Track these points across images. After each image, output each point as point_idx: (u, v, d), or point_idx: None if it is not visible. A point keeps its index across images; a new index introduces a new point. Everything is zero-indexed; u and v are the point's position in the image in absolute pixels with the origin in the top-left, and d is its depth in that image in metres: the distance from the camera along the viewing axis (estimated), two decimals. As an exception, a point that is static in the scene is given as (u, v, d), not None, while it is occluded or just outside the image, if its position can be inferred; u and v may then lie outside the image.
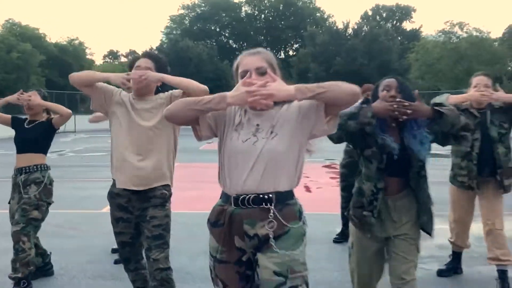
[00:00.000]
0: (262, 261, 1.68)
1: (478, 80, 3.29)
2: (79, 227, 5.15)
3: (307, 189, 7.63)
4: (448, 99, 3.18)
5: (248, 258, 1.74)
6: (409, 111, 2.15)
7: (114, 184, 2.63)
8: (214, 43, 52.67)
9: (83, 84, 2.59)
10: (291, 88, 1.64)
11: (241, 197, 1.68)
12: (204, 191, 6.74)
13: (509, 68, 48.26)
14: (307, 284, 1.72)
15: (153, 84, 2.58)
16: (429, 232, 2.40)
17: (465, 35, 39.76)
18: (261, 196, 1.67)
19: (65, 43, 51.55)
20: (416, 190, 2.30)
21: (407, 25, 55.48)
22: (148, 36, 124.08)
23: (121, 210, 2.60)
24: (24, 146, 3.40)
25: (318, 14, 55.70)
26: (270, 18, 54.70)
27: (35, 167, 3.35)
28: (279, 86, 1.65)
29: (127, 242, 2.66)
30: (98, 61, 69.43)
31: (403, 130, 2.27)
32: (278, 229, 1.67)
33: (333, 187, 6.93)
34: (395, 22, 55.01)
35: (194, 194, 6.70)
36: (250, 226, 1.69)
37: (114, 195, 2.61)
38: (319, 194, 7.13)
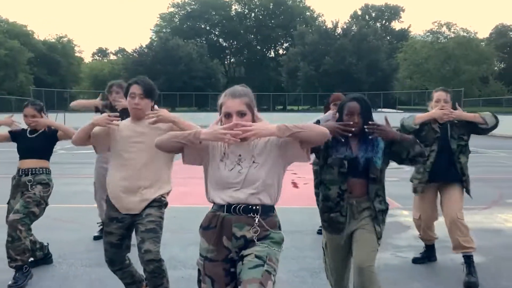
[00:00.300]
0: (247, 252, 1.97)
1: (438, 95, 3.61)
2: (74, 220, 5.35)
3: (294, 185, 7.90)
4: (415, 119, 3.55)
5: (231, 258, 2.02)
6: (353, 130, 2.49)
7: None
8: (204, 42, 52.60)
9: (84, 142, 2.83)
10: (273, 127, 1.94)
11: (233, 206, 1.99)
12: (193, 187, 6.96)
13: (496, 68, 49.07)
14: (274, 281, 1.96)
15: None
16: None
17: (452, 35, 40.26)
18: (249, 206, 1.99)
19: (53, 40, 51.03)
20: (370, 193, 2.58)
21: (396, 25, 56.04)
22: (138, 34, 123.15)
23: (116, 211, 2.76)
24: (29, 154, 3.58)
25: (308, 13, 55.89)
26: (260, 17, 54.75)
27: (41, 169, 3.56)
28: (263, 126, 1.95)
29: (114, 243, 2.77)
30: (87, 58, 69.05)
31: (361, 142, 2.57)
32: (261, 233, 1.99)
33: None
34: (384, 21, 55.49)
35: (184, 189, 6.90)
36: (238, 229, 1.99)
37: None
38: (305, 189, 7.38)
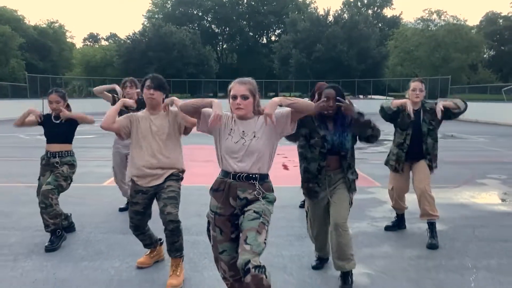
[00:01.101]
0: (247, 208, 2.57)
1: (415, 85, 4.20)
2: (85, 197, 5.90)
3: (285, 167, 8.53)
4: (392, 103, 4.14)
5: (236, 213, 2.61)
6: (334, 107, 3.12)
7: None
8: (197, 28, 52.52)
9: (111, 125, 3.31)
10: (277, 100, 2.56)
11: (238, 174, 2.58)
12: (194, 169, 7.53)
13: (485, 55, 49.67)
14: (267, 229, 2.55)
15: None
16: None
17: (443, 23, 40.62)
18: (250, 175, 2.57)
19: (44, 25, 50.64)
20: (343, 166, 3.24)
21: (387, 12, 56.35)
22: (129, 19, 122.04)
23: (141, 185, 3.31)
24: (55, 139, 4.15)
25: (300, 0, 55.99)
26: (253, 3, 54.62)
27: (66, 152, 4.16)
28: (270, 106, 2.54)
29: (139, 211, 3.32)
30: (78, 44, 68.47)
31: (336, 124, 3.20)
32: (259, 195, 2.58)
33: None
34: (376, 8, 55.74)
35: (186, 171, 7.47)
36: (242, 192, 2.58)
37: None
38: (294, 170, 8.00)
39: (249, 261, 2.38)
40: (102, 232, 4.43)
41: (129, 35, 43.58)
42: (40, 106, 27.23)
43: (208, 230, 2.70)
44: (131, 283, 3.27)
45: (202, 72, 41.93)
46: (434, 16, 40.89)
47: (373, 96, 37.55)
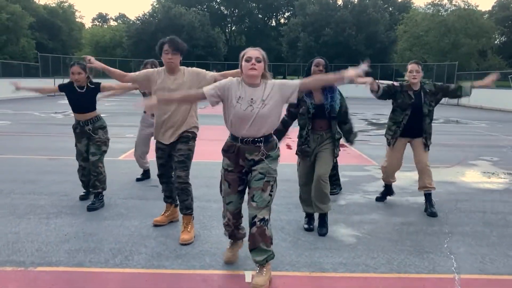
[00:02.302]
0: (254, 168, 3.01)
1: (412, 67, 4.56)
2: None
3: (288, 146, 9.01)
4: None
5: (245, 171, 3.06)
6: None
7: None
8: (206, 9, 52.53)
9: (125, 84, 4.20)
10: (298, 82, 2.99)
11: (245, 139, 2.96)
12: (203, 147, 8.02)
13: (496, 41, 49.16)
14: (276, 182, 3.03)
15: None
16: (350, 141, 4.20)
17: (453, 8, 40.30)
18: (255, 139, 2.94)
19: (54, 5, 50.96)
20: (332, 128, 3.91)
21: (398, -4, 55.78)
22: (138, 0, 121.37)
23: (160, 143, 3.88)
24: (83, 109, 4.60)
25: (310, -17, 55.58)
26: (262, -15, 54.51)
27: (96, 117, 4.66)
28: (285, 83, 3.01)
29: (162, 163, 3.92)
30: (87, 24, 68.71)
31: (324, 92, 3.85)
32: (263, 155, 3.00)
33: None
34: (386, -8, 55.26)
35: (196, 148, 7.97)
36: (249, 154, 3.00)
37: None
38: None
39: (255, 216, 2.89)
40: (121, 198, 4.96)
41: (139, 16, 43.87)
42: (51, 85, 27.81)
43: (221, 184, 3.17)
44: (149, 237, 3.79)
45: (211, 54, 42.18)
46: (445, 1, 40.58)
47: (381, 81, 37.55)
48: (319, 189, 3.88)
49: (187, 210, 3.79)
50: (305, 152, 3.97)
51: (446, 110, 21.74)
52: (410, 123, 4.59)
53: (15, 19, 39.59)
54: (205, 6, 54.25)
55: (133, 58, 39.98)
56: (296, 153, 4.06)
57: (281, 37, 45.96)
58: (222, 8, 56.56)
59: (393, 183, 5.05)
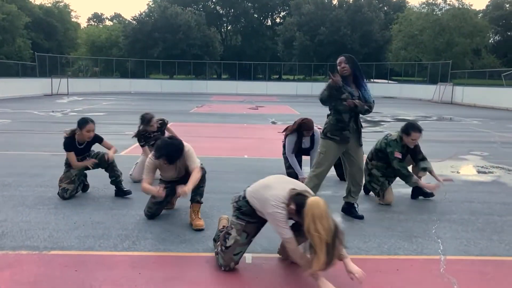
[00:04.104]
0: None
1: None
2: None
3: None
4: None
5: (264, 220, 3.01)
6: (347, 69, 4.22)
7: None
8: (201, 9, 52.67)
9: None
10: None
11: None
12: (200, 143, 8.27)
13: (491, 40, 49.62)
14: None
15: None
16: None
17: (448, 7, 40.69)
18: None
19: (50, 5, 50.89)
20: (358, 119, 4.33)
21: (393, -5, 56.15)
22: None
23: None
24: (83, 157, 4.93)
25: (305, -18, 55.80)
26: (257, -16, 54.64)
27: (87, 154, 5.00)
28: None
29: (159, 201, 4.04)
30: (83, 24, 68.61)
31: (358, 87, 4.23)
32: None
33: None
34: (381, -9, 55.60)
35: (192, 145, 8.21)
36: None
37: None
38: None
39: None
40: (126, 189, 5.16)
41: (135, 16, 44.01)
42: (48, 85, 27.73)
43: (228, 236, 3.08)
44: (154, 225, 4.01)
45: (207, 54, 42.35)
46: (439, 0, 40.98)
47: (375, 80, 38.02)
48: (359, 181, 4.37)
49: (201, 197, 4.06)
50: (346, 138, 4.23)
51: (439, 108, 22.07)
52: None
53: (11, 19, 39.57)
54: (201, 6, 54.38)
55: (129, 57, 40.11)
56: (329, 137, 4.24)
57: (277, 36, 46.20)
58: (218, 7, 56.68)
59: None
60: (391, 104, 24.66)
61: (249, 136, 10.21)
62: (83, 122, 4.78)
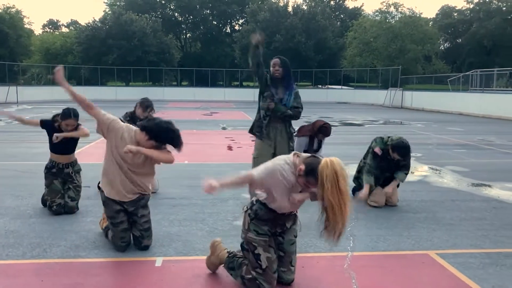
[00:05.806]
0: (286, 233, 2.95)
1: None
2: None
3: (229, 148, 9.34)
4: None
5: (275, 233, 3.05)
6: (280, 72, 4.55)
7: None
8: (159, 16, 52.22)
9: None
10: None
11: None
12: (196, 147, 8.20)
13: (441, 47, 51.92)
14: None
15: None
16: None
17: (400, 15, 42.29)
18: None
19: (0, 11, 49.00)
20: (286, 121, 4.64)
21: (349, 3, 57.81)
22: (90, 5, 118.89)
23: (117, 204, 3.44)
24: (62, 150, 4.51)
25: (262, -10, 56.45)
26: (216, -9, 54.76)
27: (75, 161, 4.67)
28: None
29: (127, 228, 3.49)
30: (38, 30, 66.41)
31: (285, 91, 4.54)
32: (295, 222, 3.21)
33: (250, 147, 8.66)
34: (338, 0, 57.07)
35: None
36: (287, 222, 3.07)
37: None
38: (237, 151, 8.86)
39: (293, 280, 3.05)
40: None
41: (89, 23, 42.98)
42: (4, 93, 26.45)
43: (253, 255, 2.88)
44: (71, 230, 3.96)
45: (163, 61, 41.96)
46: (392, 8, 42.54)
47: (330, 86, 38.94)
48: None
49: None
50: (266, 136, 4.61)
51: (389, 112, 22.88)
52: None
53: (-42, 26, 37.84)
54: (159, 13, 53.88)
55: (83, 65, 39.18)
56: (253, 132, 4.69)
57: (234, 43, 46.43)
58: (176, 14, 56.34)
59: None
60: (343, 109, 25.32)
61: (196, 142, 10.22)
62: (65, 115, 4.41)
